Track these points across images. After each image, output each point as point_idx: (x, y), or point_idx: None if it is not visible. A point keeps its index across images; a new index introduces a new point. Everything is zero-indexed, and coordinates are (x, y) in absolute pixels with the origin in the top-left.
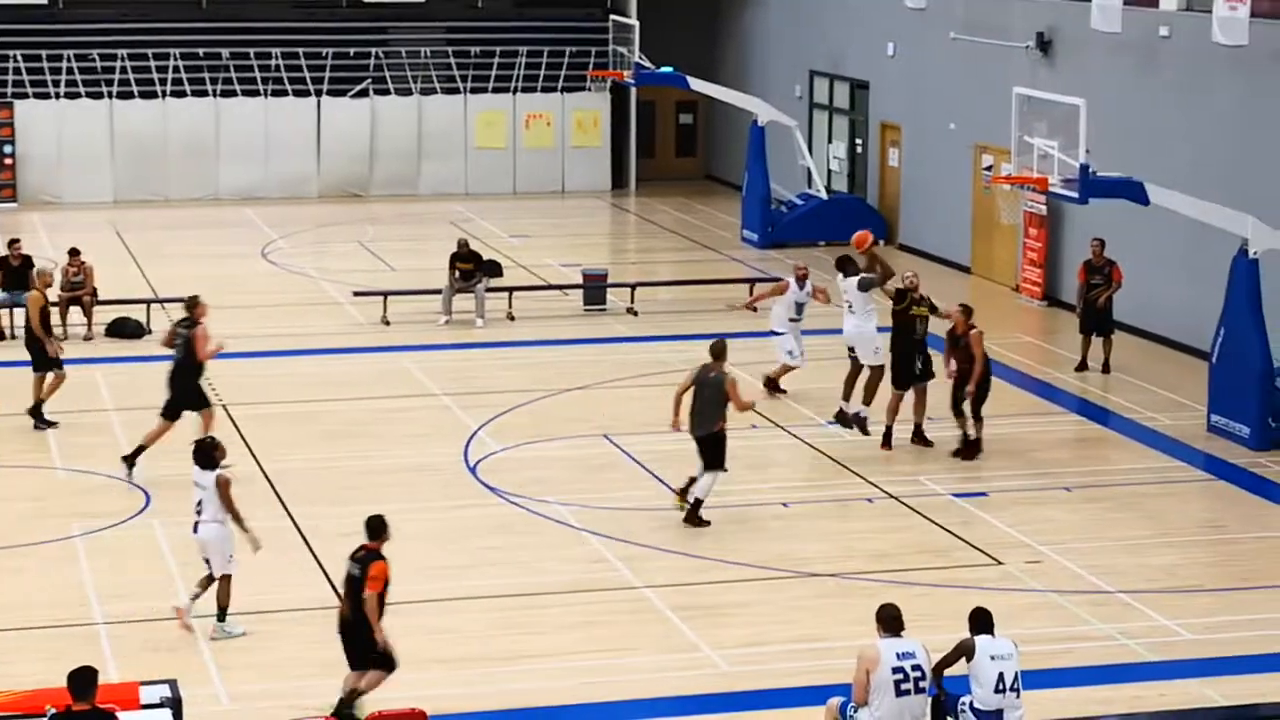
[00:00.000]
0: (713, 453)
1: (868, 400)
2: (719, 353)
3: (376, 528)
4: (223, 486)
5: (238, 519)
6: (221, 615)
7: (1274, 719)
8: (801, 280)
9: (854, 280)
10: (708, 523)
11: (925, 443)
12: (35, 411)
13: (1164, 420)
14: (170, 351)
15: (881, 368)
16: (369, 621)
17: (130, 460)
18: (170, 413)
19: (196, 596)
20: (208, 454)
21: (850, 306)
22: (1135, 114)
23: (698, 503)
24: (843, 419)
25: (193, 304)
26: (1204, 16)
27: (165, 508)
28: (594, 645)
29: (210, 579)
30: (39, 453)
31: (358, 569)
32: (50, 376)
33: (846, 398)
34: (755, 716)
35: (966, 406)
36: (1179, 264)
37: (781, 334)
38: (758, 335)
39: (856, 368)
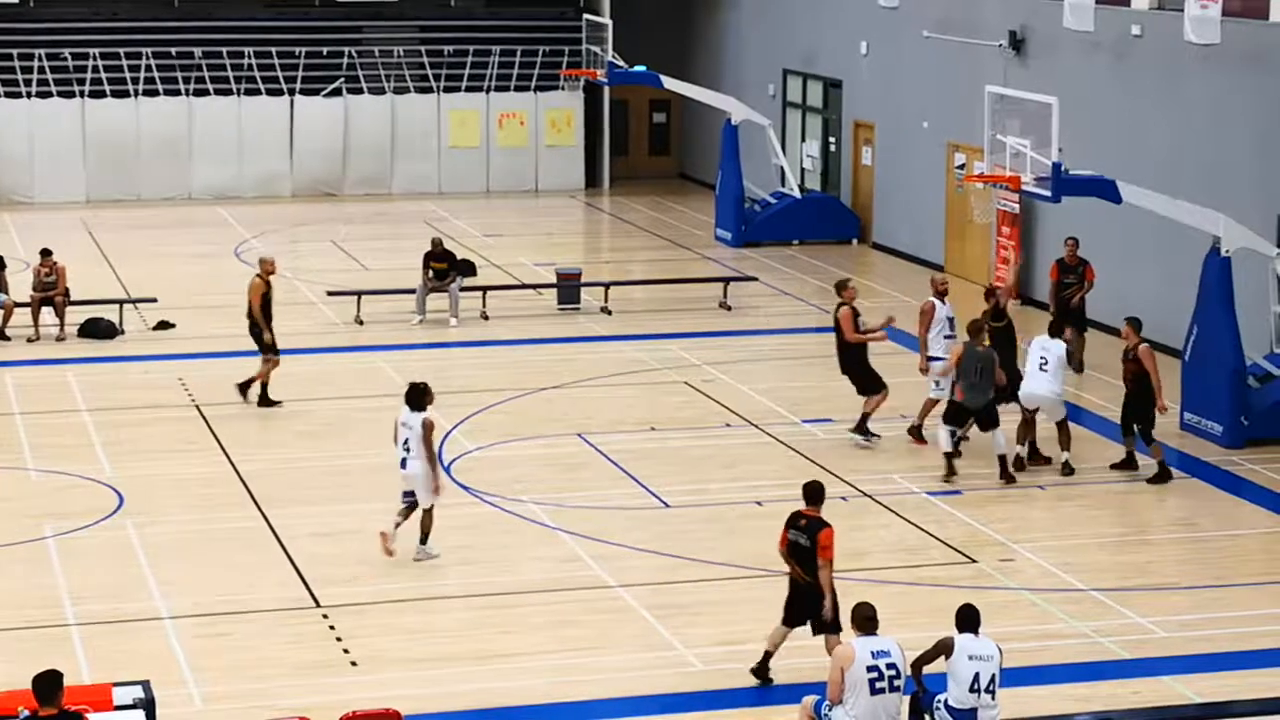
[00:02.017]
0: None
1: (1066, 445)
2: (975, 331)
3: (817, 492)
4: (427, 428)
5: (431, 460)
6: (424, 539)
7: (1248, 716)
8: (943, 294)
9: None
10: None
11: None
12: (263, 396)
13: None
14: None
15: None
16: (822, 589)
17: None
18: None
19: (398, 525)
20: (419, 397)
21: (1044, 365)
22: (1108, 112)
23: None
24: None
25: (842, 286)
26: (1176, 15)
27: (138, 507)
28: (569, 644)
29: (409, 510)
30: (11, 453)
31: (805, 538)
32: (263, 362)
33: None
34: (730, 715)
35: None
36: (1152, 262)
37: (940, 359)
38: None
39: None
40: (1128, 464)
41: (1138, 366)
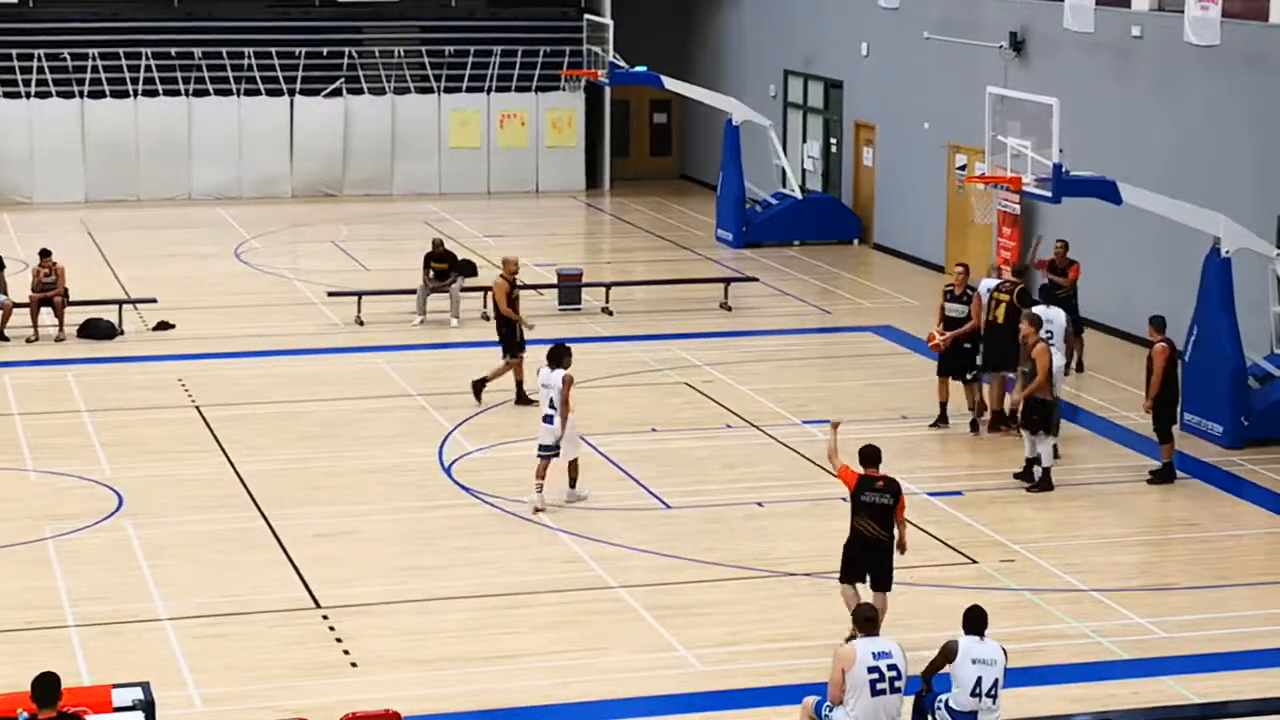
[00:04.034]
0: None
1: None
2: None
3: (877, 454)
4: (566, 383)
5: (565, 415)
6: (572, 484)
7: (1247, 716)
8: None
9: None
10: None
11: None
12: (519, 394)
13: (1137, 419)
14: None
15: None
16: (897, 545)
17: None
18: None
19: (540, 488)
20: (560, 356)
21: (1050, 338)
22: (1108, 113)
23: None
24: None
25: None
26: (1176, 17)
27: (138, 508)
28: (569, 645)
29: (546, 465)
30: (10, 454)
31: (887, 497)
32: (504, 362)
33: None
34: (730, 716)
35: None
36: (1152, 263)
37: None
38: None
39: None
40: (1164, 475)
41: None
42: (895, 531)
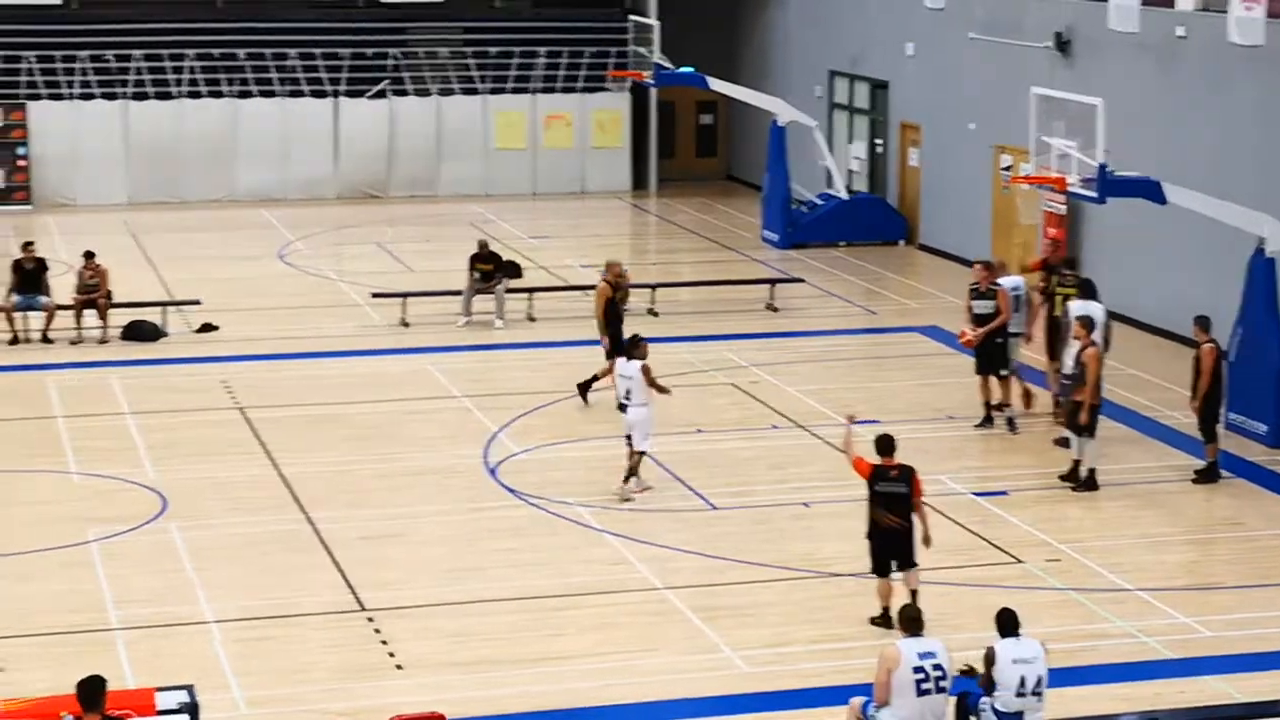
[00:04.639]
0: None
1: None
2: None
3: (891, 442)
4: (645, 373)
5: (661, 391)
6: (627, 478)
7: None
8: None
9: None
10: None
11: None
12: (583, 386)
13: (1182, 418)
14: None
15: None
16: (918, 528)
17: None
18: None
19: (628, 477)
20: (634, 348)
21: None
22: (1153, 113)
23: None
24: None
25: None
26: (1220, 17)
27: (182, 511)
28: (615, 646)
29: (631, 452)
30: (54, 456)
31: (902, 486)
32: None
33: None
34: (777, 717)
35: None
36: (1198, 263)
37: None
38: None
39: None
40: (1209, 475)
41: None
42: (915, 519)
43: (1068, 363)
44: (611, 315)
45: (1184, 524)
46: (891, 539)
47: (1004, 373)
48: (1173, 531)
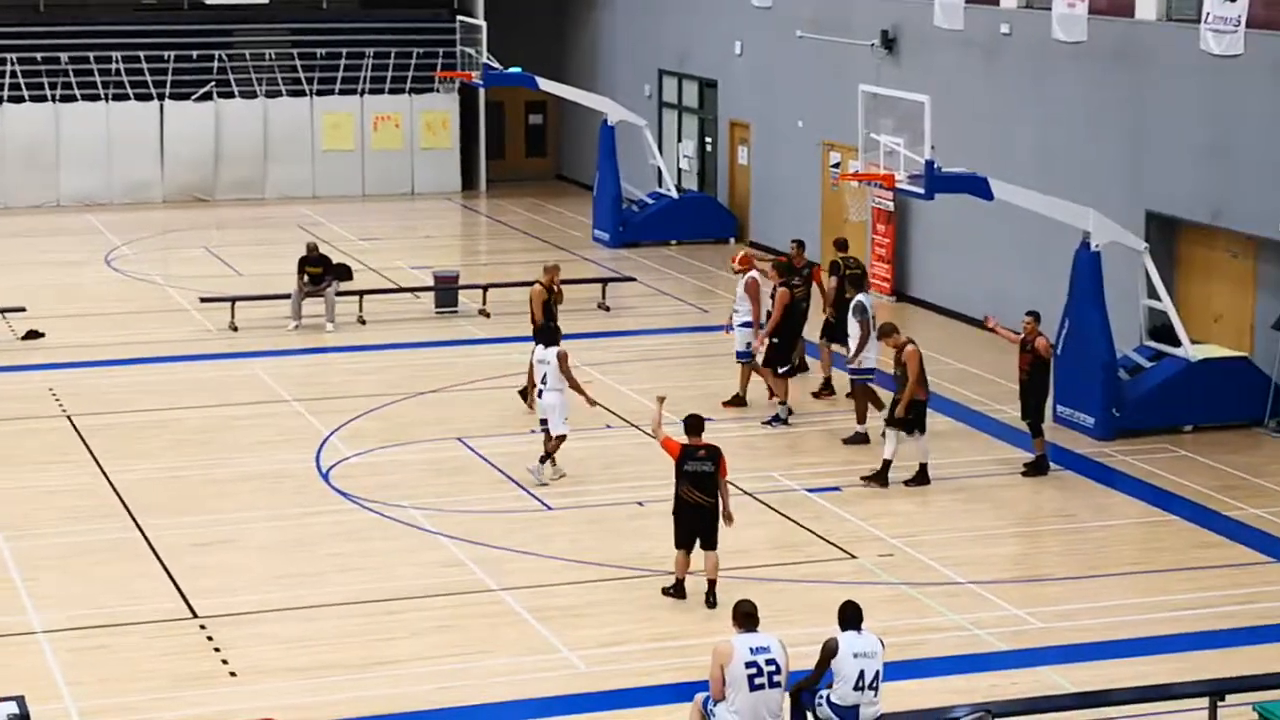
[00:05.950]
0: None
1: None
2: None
3: (700, 422)
4: (562, 360)
5: (575, 386)
6: (543, 460)
7: (1124, 704)
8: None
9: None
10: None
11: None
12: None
13: (1010, 412)
14: None
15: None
16: (722, 506)
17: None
18: None
19: (544, 458)
20: (551, 335)
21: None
22: (980, 110)
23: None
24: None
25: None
26: (1044, 14)
27: (9, 521)
28: (451, 649)
29: (548, 438)
30: None
31: (709, 465)
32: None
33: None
34: (616, 715)
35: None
36: (1025, 257)
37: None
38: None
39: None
40: (1038, 468)
41: (1034, 358)
42: (719, 498)
43: (867, 356)
44: (548, 317)
45: (1014, 517)
46: (696, 515)
47: (782, 370)
48: (1003, 525)
